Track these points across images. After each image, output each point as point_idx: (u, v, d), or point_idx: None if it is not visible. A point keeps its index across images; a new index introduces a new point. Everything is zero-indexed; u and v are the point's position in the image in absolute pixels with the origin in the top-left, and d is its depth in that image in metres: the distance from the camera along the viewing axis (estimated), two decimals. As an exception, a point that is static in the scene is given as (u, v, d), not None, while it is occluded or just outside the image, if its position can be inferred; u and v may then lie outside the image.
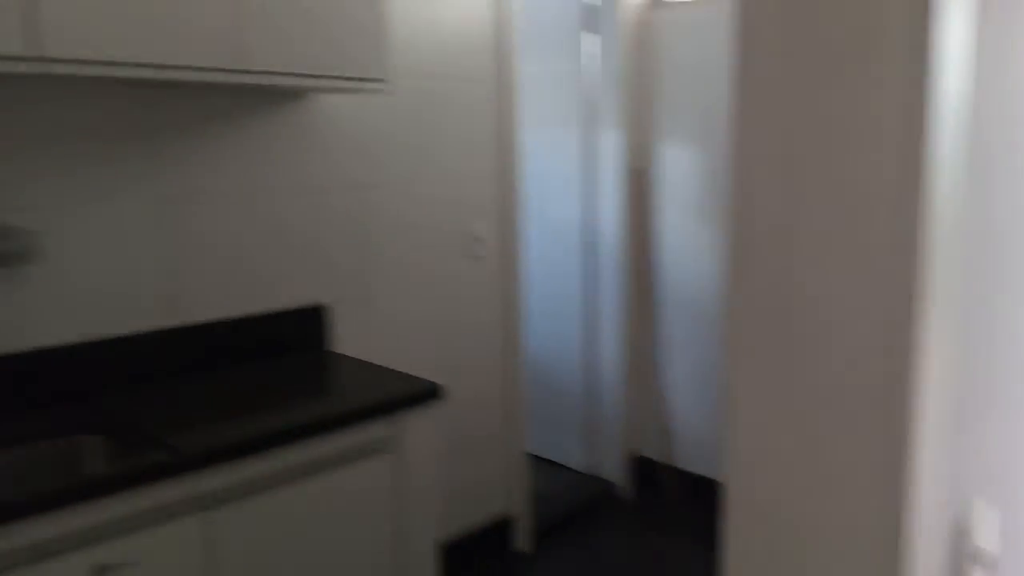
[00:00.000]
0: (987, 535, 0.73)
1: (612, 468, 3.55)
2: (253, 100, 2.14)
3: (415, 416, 2.00)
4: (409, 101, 2.51)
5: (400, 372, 2.14)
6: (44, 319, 1.82)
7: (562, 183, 3.58)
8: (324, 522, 1.83)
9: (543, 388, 3.74)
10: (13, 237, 1.73)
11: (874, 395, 0.65)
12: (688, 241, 3.31)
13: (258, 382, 2.05)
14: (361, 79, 2.05)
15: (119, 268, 1.94)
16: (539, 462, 3.69)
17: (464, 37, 2.64)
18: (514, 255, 2.92)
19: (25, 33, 1.47)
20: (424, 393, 2.01)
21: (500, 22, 2.76)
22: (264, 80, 1.85)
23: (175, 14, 1.66)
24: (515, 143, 2.87)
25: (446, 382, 2.72)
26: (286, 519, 1.76)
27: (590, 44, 3.37)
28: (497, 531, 2.97)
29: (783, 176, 0.69)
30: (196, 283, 2.08)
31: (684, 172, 3.28)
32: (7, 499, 1.37)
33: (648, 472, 3.53)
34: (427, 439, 2.04)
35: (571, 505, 3.36)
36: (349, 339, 2.42)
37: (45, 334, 1.83)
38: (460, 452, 2.82)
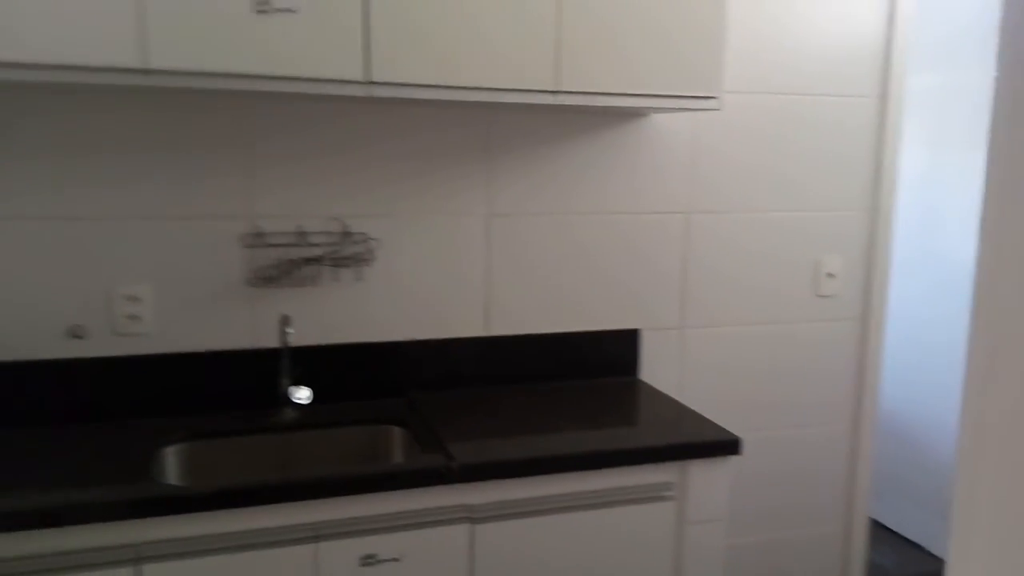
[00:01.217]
0: None
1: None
2: (584, 119, 2.14)
3: (706, 467, 1.84)
4: (756, 119, 2.30)
5: (700, 416, 1.98)
6: (376, 317, 2.04)
7: (957, 216, 3.02)
8: (591, 560, 1.77)
9: (898, 449, 3.21)
10: (355, 242, 1.96)
11: None
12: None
13: (554, 401, 2.06)
14: (690, 96, 1.92)
15: (444, 278, 2.09)
16: (885, 533, 3.18)
17: (837, 47, 2.33)
18: (879, 296, 2.52)
19: (363, 60, 1.63)
20: (717, 444, 1.84)
21: (888, 28, 2.38)
22: (588, 101, 1.83)
23: (498, 39, 1.72)
24: (894, 168, 2.47)
25: (773, 429, 2.46)
26: (553, 548, 1.73)
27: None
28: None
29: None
30: (512, 298, 2.15)
31: None
32: (303, 479, 1.56)
33: None
34: (718, 494, 1.86)
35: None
36: (659, 368, 2.32)
37: (375, 331, 2.04)
38: (790, 506, 2.53)
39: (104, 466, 1.59)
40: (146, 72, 1.48)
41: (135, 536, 1.47)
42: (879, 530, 3.23)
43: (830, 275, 2.47)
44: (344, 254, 1.96)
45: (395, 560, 1.61)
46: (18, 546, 1.40)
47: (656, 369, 2.31)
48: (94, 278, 1.81)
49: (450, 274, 2.09)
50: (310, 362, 1.97)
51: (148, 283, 1.85)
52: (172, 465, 1.76)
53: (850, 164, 2.42)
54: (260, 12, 1.50)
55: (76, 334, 1.80)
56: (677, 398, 2.18)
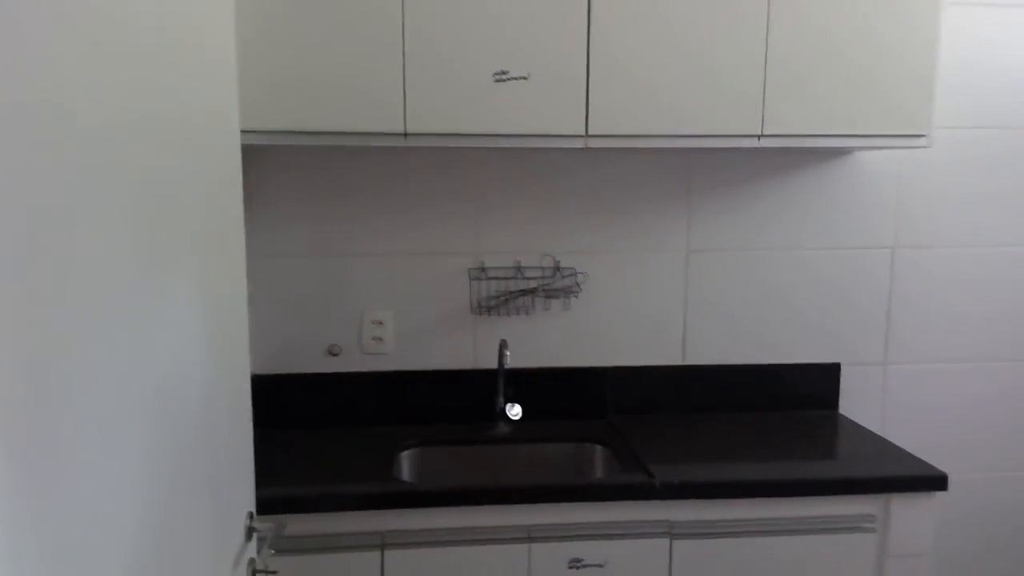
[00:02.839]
0: None
1: None
2: (785, 157, 2.22)
3: (909, 501, 1.84)
4: (966, 153, 2.26)
5: (902, 449, 1.98)
6: (582, 344, 2.22)
7: None
8: (787, 584, 1.82)
9: None
10: (565, 276, 2.17)
11: None
12: None
13: (751, 430, 2.13)
14: (899, 135, 1.95)
15: (645, 309, 2.23)
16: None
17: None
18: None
19: (584, 116, 1.84)
20: (921, 479, 1.83)
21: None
22: (791, 143, 1.91)
23: (706, 89, 1.85)
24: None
25: (986, 468, 2.36)
26: (750, 569, 1.81)
27: None
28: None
29: None
30: (708, 329, 2.25)
31: None
32: (521, 484, 1.76)
33: None
34: (919, 529, 1.85)
35: None
36: (860, 404, 2.31)
37: (582, 356, 2.22)
38: (1003, 552, 2.41)
39: (353, 465, 1.88)
40: (405, 135, 1.79)
41: (379, 525, 1.73)
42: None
43: (1052, 312, 2.35)
44: (555, 286, 2.17)
45: (600, 566, 1.76)
46: (292, 526, 1.70)
47: (857, 405, 2.31)
48: (347, 305, 2.15)
49: (650, 306, 2.23)
50: (522, 383, 2.18)
51: (390, 309, 2.16)
52: (406, 467, 2.03)
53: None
54: (498, 81, 1.75)
55: (332, 352, 2.14)
56: (879, 433, 2.17)
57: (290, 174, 2.10)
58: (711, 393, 2.27)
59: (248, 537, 1.23)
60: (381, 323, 2.15)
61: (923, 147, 1.95)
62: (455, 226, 2.15)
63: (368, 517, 1.73)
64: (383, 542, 1.73)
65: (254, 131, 1.71)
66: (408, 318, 2.17)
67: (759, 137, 1.88)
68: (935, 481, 1.84)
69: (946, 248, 2.30)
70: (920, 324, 2.31)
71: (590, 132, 1.83)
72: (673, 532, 1.79)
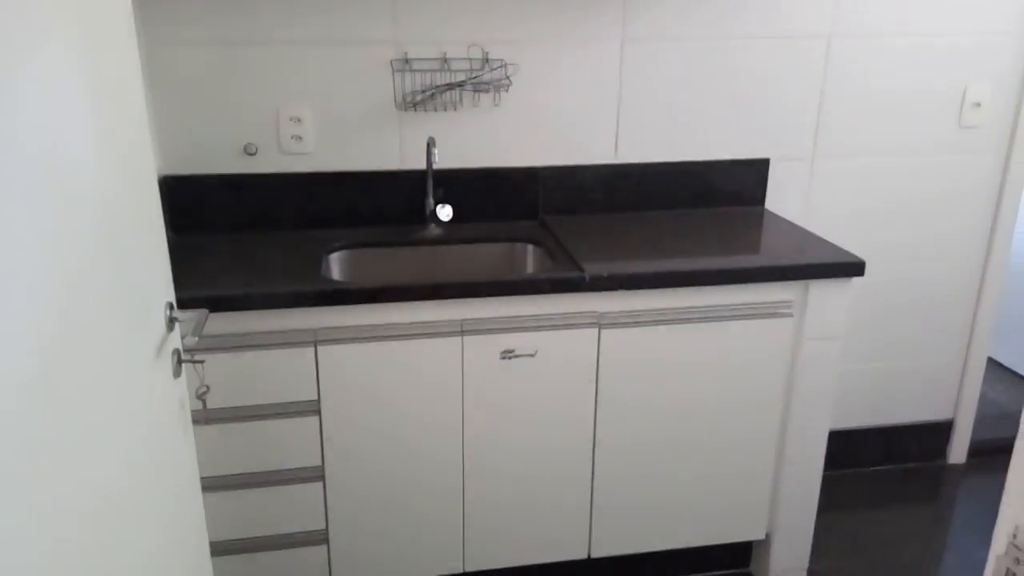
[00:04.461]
0: None
1: (1106, 406, 2.89)
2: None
3: (825, 287, 1.91)
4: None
5: (824, 240, 2.04)
6: (512, 142, 2.15)
7: None
8: (708, 367, 1.91)
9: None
10: (495, 67, 2.05)
11: None
12: None
13: (680, 225, 2.16)
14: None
15: (578, 104, 2.16)
16: (1002, 371, 3.19)
17: None
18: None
19: None
20: (838, 266, 1.90)
21: None
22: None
23: None
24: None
25: (901, 260, 2.47)
26: (673, 355, 1.89)
27: None
28: (930, 435, 2.71)
29: None
30: (642, 125, 2.21)
31: None
32: (453, 280, 1.76)
33: None
34: (834, 313, 1.94)
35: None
36: (787, 198, 2.35)
37: (512, 155, 2.16)
38: (907, 342, 2.58)
39: (281, 266, 1.84)
40: None
41: (312, 323, 1.72)
42: (995, 367, 3.24)
43: (976, 104, 2.37)
44: (484, 80, 2.06)
45: (530, 355, 1.81)
46: (222, 326, 1.68)
47: (785, 200, 2.35)
48: (262, 100, 2.01)
49: (582, 100, 2.16)
50: (452, 184, 2.13)
51: (309, 105, 2.03)
52: (335, 269, 2.00)
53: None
54: None
55: (248, 151, 2.02)
56: (803, 226, 2.22)
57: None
58: (643, 191, 2.26)
59: (170, 327, 1.19)
60: (300, 120, 2.03)
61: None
62: (375, 12, 1.99)
63: (300, 315, 1.71)
64: (316, 339, 1.73)
65: None
66: (328, 114, 2.05)
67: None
68: (852, 267, 1.91)
69: (879, 38, 2.26)
70: (849, 118, 2.31)
71: None
72: (602, 322, 1.83)
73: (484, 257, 2.08)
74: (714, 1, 2.13)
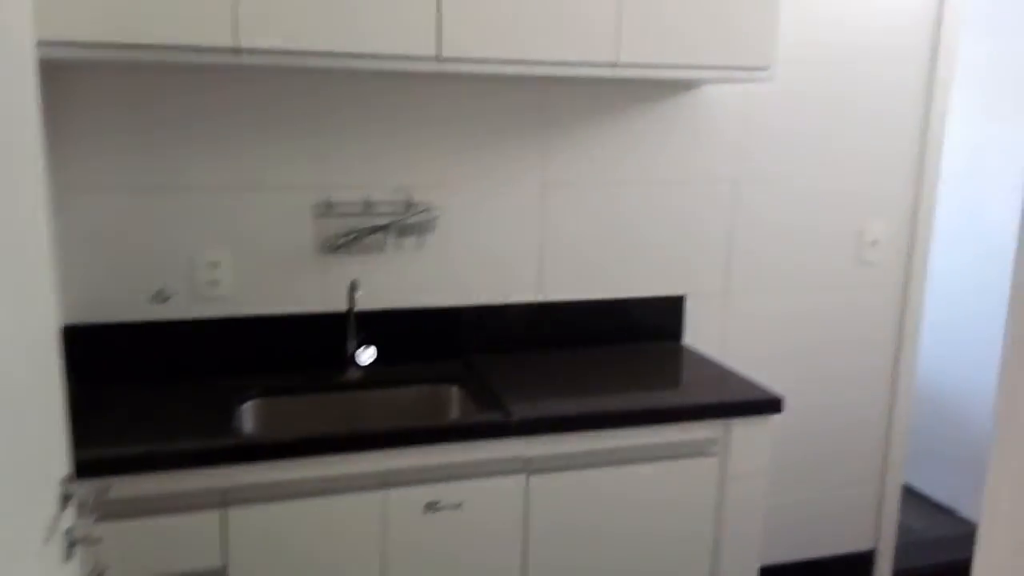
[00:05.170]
0: None
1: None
2: (636, 91, 2.21)
3: (749, 424, 1.93)
4: (807, 88, 2.34)
5: (742, 376, 2.07)
6: (437, 283, 2.15)
7: (1005, 185, 3.03)
8: (638, 509, 1.88)
9: (937, 416, 3.26)
10: (418, 212, 2.07)
11: None
12: None
13: (602, 363, 2.16)
14: (743, 68, 1.98)
15: (501, 245, 2.19)
16: (916, 498, 3.26)
17: (889, 13, 2.36)
18: (919, 264, 2.57)
19: (435, 37, 1.73)
20: (760, 403, 1.93)
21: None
22: (644, 73, 1.89)
23: (560, 15, 1.79)
24: (941, 132, 2.49)
25: (814, 393, 2.54)
26: (602, 498, 1.85)
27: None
28: (854, 565, 2.71)
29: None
30: (563, 264, 2.25)
31: None
32: (373, 430, 1.69)
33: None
34: (758, 450, 1.95)
35: (947, 556, 2.91)
36: (703, 333, 2.40)
37: (437, 296, 2.15)
38: (824, 474, 2.62)
39: (189, 419, 1.74)
40: (237, 51, 1.60)
41: (219, 481, 1.61)
42: (910, 494, 3.30)
43: (873, 242, 2.52)
44: (408, 223, 2.07)
45: (457, 507, 1.74)
46: (123, 489, 1.55)
47: (700, 334, 2.40)
48: (177, 245, 1.95)
49: (506, 242, 2.19)
50: (375, 325, 2.09)
51: (227, 250, 1.98)
52: (250, 419, 1.90)
53: (898, 129, 2.45)
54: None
55: (161, 297, 1.95)
56: (721, 362, 2.27)
57: (106, 96, 1.86)
58: (566, 329, 2.28)
59: (63, 505, 1.09)
60: (217, 264, 1.98)
61: (766, 80, 2.00)
62: (297, 158, 1.99)
63: (207, 474, 1.60)
64: (225, 499, 1.62)
65: (54, 42, 1.49)
66: (248, 259, 2.00)
67: (614, 66, 1.86)
68: (771, 404, 1.94)
69: (784, 181, 2.39)
70: (757, 257, 2.42)
71: (444, 55, 1.73)
72: (530, 468, 1.79)
73: (407, 401, 2.03)
74: (628, 149, 2.23)
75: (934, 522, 3.15)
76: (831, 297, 2.51)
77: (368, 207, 2.05)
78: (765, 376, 2.45)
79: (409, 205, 2.07)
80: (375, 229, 2.05)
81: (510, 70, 1.81)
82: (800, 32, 2.30)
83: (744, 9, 1.93)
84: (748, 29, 1.94)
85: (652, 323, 2.35)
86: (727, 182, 2.34)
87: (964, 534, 3.04)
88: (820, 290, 2.50)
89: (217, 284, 1.98)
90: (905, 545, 2.84)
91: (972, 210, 3.16)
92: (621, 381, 2.03)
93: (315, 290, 2.06)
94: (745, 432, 1.94)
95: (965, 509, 3.18)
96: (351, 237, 2.04)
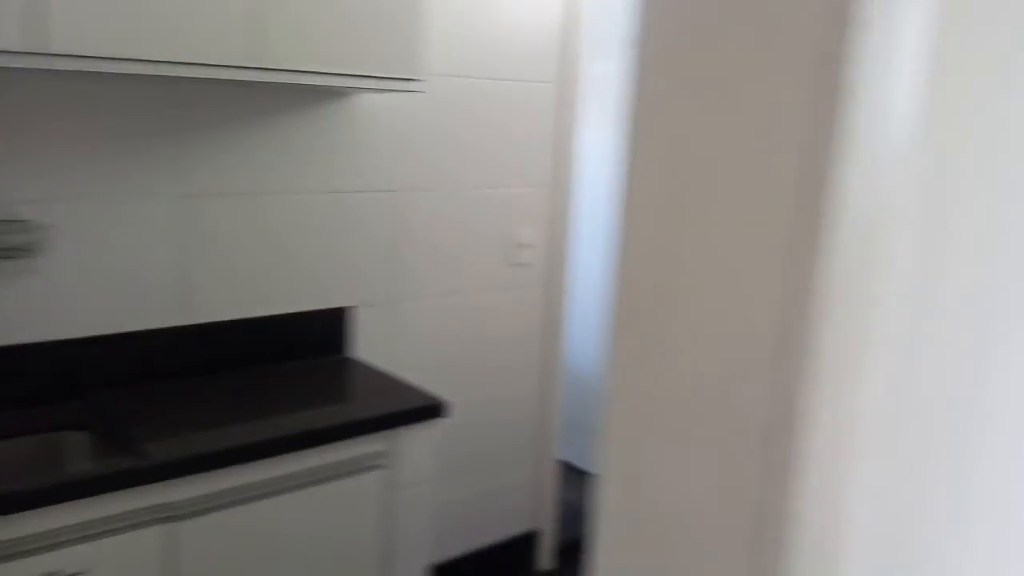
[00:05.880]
0: None
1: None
2: (285, 98, 2.09)
3: (414, 432, 1.93)
4: (457, 101, 2.41)
5: (408, 384, 2.07)
6: (51, 313, 1.84)
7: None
8: (304, 539, 1.78)
9: (585, 398, 3.61)
10: (22, 230, 1.76)
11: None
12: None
13: (260, 386, 2.03)
14: (393, 78, 1.96)
15: (134, 264, 1.94)
16: (576, 474, 3.58)
17: (523, 33, 2.51)
18: (561, 263, 2.79)
19: (26, 28, 1.45)
20: (424, 409, 1.94)
21: (568, 19, 2.61)
22: (282, 78, 1.78)
23: (187, 9, 1.62)
24: (572, 147, 2.72)
25: (478, 389, 2.64)
26: (263, 534, 1.72)
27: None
28: (521, 546, 2.88)
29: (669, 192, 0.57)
30: (212, 282, 2.06)
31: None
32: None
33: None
34: (424, 457, 1.97)
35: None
36: (373, 344, 2.37)
37: (51, 328, 1.84)
38: (489, 465, 2.73)
39: None
40: None
41: None
42: (571, 471, 3.61)
43: (521, 246, 2.68)
44: (12, 244, 1.74)
45: (85, 573, 1.50)
46: None
47: (372, 345, 2.36)
48: None
49: (140, 261, 1.95)
50: (-32, 368, 1.74)
51: None
52: None
53: (536, 145, 2.63)
54: None
55: None
56: (394, 371, 2.24)
57: None
58: (219, 352, 2.10)
59: None
60: None
61: (417, 91, 2.01)
62: None
63: None
64: None
65: None
66: None
67: (253, 70, 1.72)
68: (433, 409, 1.96)
69: (442, 190, 2.44)
70: (421, 263, 2.44)
71: (50, 50, 1.47)
72: (173, 515, 1.60)
73: (14, 457, 1.71)
74: (281, 157, 2.11)
75: (591, 492, 3.47)
76: (489, 297, 2.63)
77: (-51, 228, 1.69)
78: (433, 379, 2.48)
79: (12, 223, 1.75)
80: (-40, 254, 1.69)
81: (133, 69, 1.59)
82: (451, 47, 2.36)
83: (393, 19, 1.91)
84: (396, 39, 1.93)
85: (317, 338, 2.26)
86: (386, 191, 2.33)
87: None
88: (479, 292, 2.60)
89: None
90: (566, 517, 3.09)
91: (604, 212, 3.52)
92: (281, 403, 1.92)
93: None
94: (411, 440, 1.93)
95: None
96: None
